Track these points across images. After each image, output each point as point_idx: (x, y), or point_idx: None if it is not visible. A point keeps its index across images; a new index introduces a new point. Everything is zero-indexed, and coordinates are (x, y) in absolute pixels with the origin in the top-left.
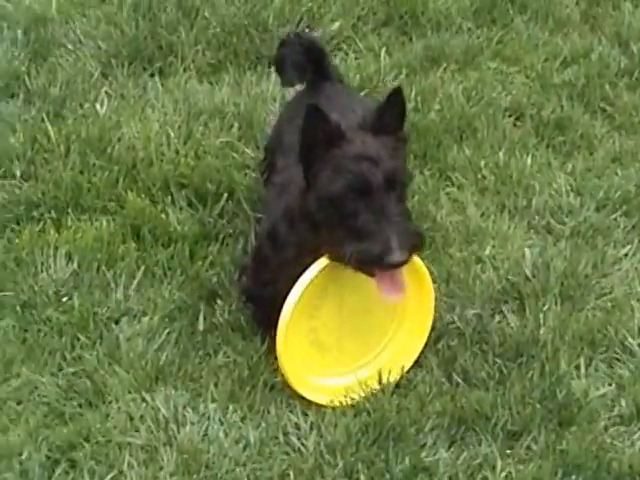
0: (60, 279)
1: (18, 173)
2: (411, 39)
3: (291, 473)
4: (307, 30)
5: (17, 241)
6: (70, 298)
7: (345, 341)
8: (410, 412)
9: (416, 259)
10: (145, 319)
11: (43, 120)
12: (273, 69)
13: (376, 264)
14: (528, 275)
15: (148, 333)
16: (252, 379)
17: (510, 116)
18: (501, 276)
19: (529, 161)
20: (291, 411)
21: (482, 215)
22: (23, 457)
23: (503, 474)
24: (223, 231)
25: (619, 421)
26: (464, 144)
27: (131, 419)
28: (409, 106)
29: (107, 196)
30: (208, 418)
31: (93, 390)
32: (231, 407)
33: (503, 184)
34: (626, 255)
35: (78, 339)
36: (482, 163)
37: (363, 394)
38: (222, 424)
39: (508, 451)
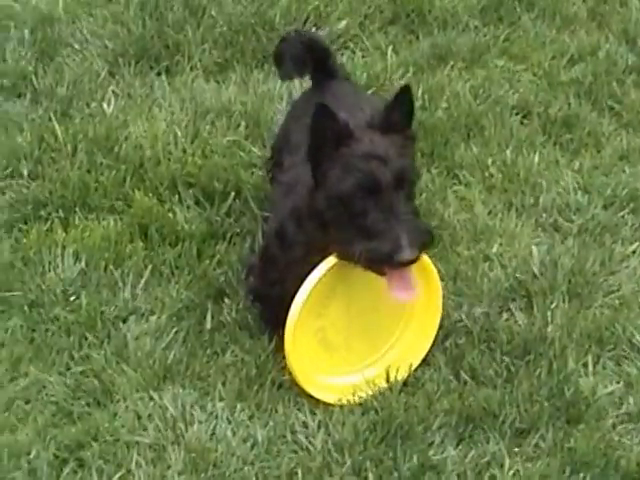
0: (68, 278)
1: (25, 172)
2: (418, 37)
3: (299, 471)
4: (314, 29)
5: (25, 240)
6: (78, 297)
7: (353, 340)
8: (418, 410)
9: (424, 257)
10: (153, 318)
11: (50, 119)
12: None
13: (386, 262)
14: (536, 273)
15: (156, 332)
16: (260, 378)
17: (517, 114)
18: (509, 274)
19: (536, 159)
20: (299, 410)
21: (489, 213)
22: (31, 456)
23: (511, 472)
24: (230, 230)
25: (627, 419)
26: (471, 142)
27: (139, 418)
28: (416, 104)
29: (114, 195)
30: (216, 417)
31: (101, 389)
32: (239, 406)
33: (510, 182)
34: (634, 252)
35: (86, 338)
36: (489, 161)
37: (371, 392)
38: (230, 423)
39: (516, 449)
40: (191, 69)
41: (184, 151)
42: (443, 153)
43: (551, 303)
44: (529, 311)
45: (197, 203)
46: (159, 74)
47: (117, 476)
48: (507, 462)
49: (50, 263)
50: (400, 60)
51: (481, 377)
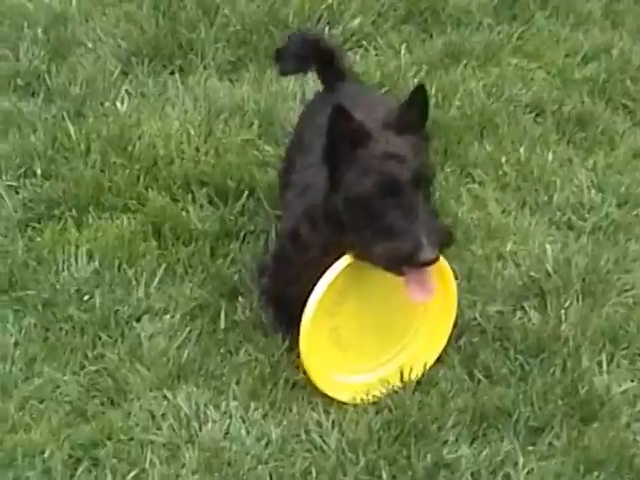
0: (81, 277)
1: (39, 172)
2: (431, 35)
3: (313, 471)
4: (327, 27)
5: (38, 240)
6: (91, 297)
7: (367, 339)
8: (432, 409)
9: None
10: (166, 317)
11: (64, 119)
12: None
13: (407, 262)
14: (549, 271)
15: (169, 331)
16: (274, 377)
17: (531, 112)
18: (522, 272)
19: (550, 157)
20: (313, 409)
21: (503, 211)
22: (45, 455)
23: (525, 470)
24: (244, 228)
25: None
26: (485, 140)
27: (153, 417)
28: (430, 103)
29: (128, 194)
30: (230, 416)
31: (115, 388)
32: (253, 405)
33: (524, 180)
34: None
35: (100, 337)
36: (503, 159)
37: (385, 391)
38: (244, 422)
39: (530, 447)
40: (204, 68)
41: (197, 150)
42: (457, 151)
43: (565, 301)
44: (543, 309)
45: (210, 202)
46: (172, 73)
47: (131, 475)
48: (521, 461)
49: (64, 262)
50: (414, 58)
51: (495, 376)
